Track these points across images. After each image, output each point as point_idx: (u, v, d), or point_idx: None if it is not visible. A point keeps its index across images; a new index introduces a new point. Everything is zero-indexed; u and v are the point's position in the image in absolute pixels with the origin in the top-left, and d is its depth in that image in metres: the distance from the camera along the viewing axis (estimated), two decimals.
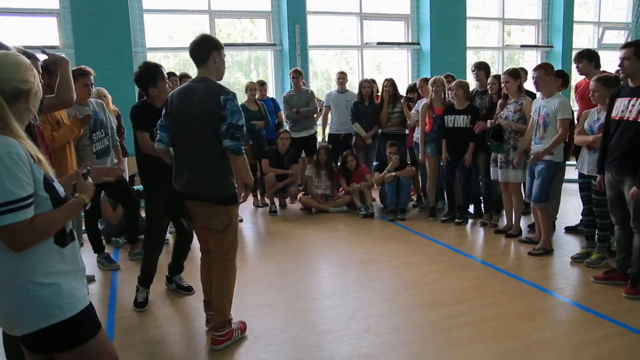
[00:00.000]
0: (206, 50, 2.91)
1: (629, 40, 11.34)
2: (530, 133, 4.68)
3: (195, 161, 2.91)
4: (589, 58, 4.80)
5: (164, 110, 3.08)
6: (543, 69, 4.56)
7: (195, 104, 2.85)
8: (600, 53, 5.11)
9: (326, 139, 7.24)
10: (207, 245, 3.18)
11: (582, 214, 4.68)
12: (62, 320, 1.66)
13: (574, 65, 5.02)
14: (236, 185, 3.01)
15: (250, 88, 6.61)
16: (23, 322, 1.65)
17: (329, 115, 7.12)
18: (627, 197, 3.59)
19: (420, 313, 3.51)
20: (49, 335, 1.66)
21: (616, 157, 3.62)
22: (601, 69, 4.87)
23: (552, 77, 4.55)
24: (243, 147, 2.86)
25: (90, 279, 4.21)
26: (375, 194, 6.74)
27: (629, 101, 3.54)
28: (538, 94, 4.82)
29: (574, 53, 5.42)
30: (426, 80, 6.21)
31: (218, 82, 2.95)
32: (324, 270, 4.41)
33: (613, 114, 3.66)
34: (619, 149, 3.60)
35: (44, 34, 7.21)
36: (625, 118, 3.55)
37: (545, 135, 4.48)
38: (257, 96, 6.70)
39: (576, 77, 9.07)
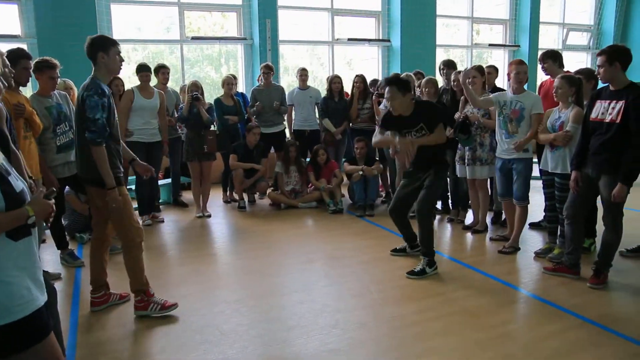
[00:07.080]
0: (93, 51, 3.23)
1: (591, 42, 11.68)
2: (494, 124, 4.76)
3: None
4: (553, 58, 4.96)
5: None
6: (524, 64, 4.69)
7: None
8: (565, 54, 5.27)
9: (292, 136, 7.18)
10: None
11: (545, 210, 4.80)
12: (8, 323, 1.57)
13: (539, 65, 5.15)
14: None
15: (228, 82, 6.51)
16: None
17: (293, 113, 7.05)
18: (603, 193, 3.69)
19: (387, 308, 3.55)
20: None
21: (596, 155, 3.71)
22: (565, 69, 5.01)
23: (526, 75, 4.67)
24: (97, 140, 3.15)
25: (56, 277, 4.10)
26: (344, 190, 6.76)
27: (609, 104, 3.64)
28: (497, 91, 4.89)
29: (539, 53, 5.54)
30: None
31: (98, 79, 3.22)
32: (293, 266, 4.41)
33: (592, 116, 3.76)
34: (598, 148, 3.69)
35: (5, 22, 6.94)
36: (605, 120, 3.65)
37: (519, 130, 4.50)
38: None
39: (540, 77, 9.25)
